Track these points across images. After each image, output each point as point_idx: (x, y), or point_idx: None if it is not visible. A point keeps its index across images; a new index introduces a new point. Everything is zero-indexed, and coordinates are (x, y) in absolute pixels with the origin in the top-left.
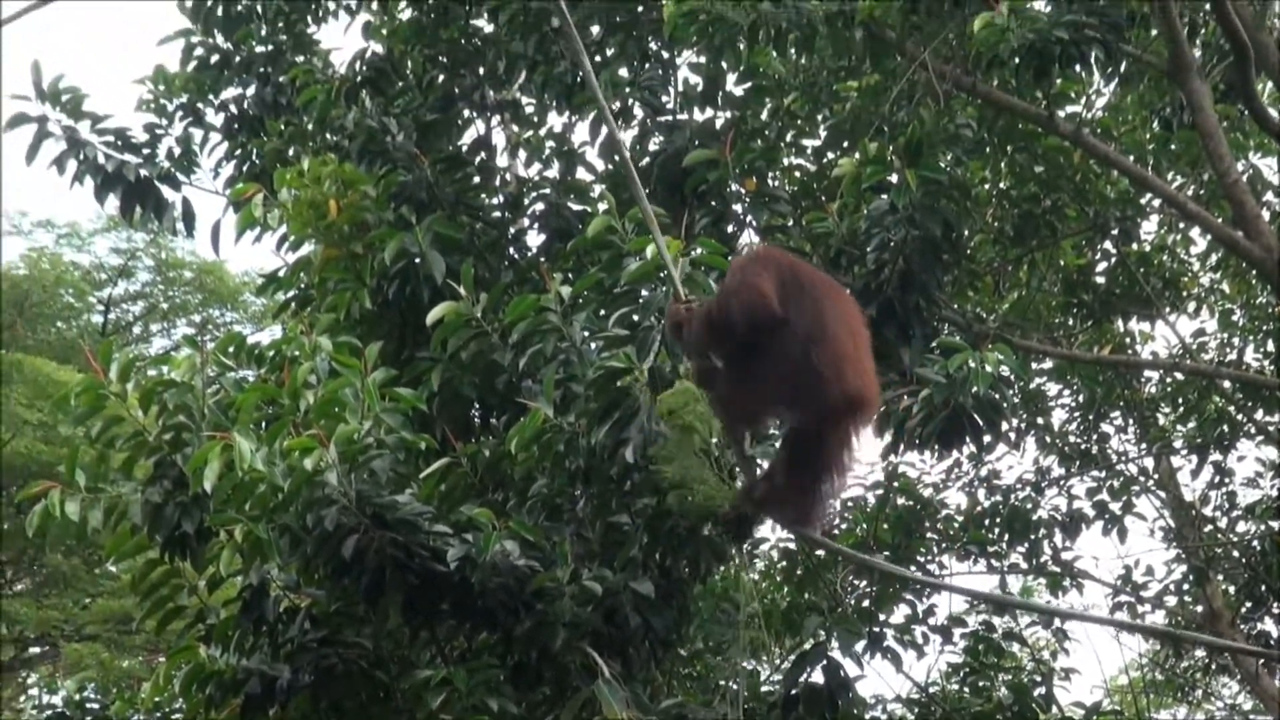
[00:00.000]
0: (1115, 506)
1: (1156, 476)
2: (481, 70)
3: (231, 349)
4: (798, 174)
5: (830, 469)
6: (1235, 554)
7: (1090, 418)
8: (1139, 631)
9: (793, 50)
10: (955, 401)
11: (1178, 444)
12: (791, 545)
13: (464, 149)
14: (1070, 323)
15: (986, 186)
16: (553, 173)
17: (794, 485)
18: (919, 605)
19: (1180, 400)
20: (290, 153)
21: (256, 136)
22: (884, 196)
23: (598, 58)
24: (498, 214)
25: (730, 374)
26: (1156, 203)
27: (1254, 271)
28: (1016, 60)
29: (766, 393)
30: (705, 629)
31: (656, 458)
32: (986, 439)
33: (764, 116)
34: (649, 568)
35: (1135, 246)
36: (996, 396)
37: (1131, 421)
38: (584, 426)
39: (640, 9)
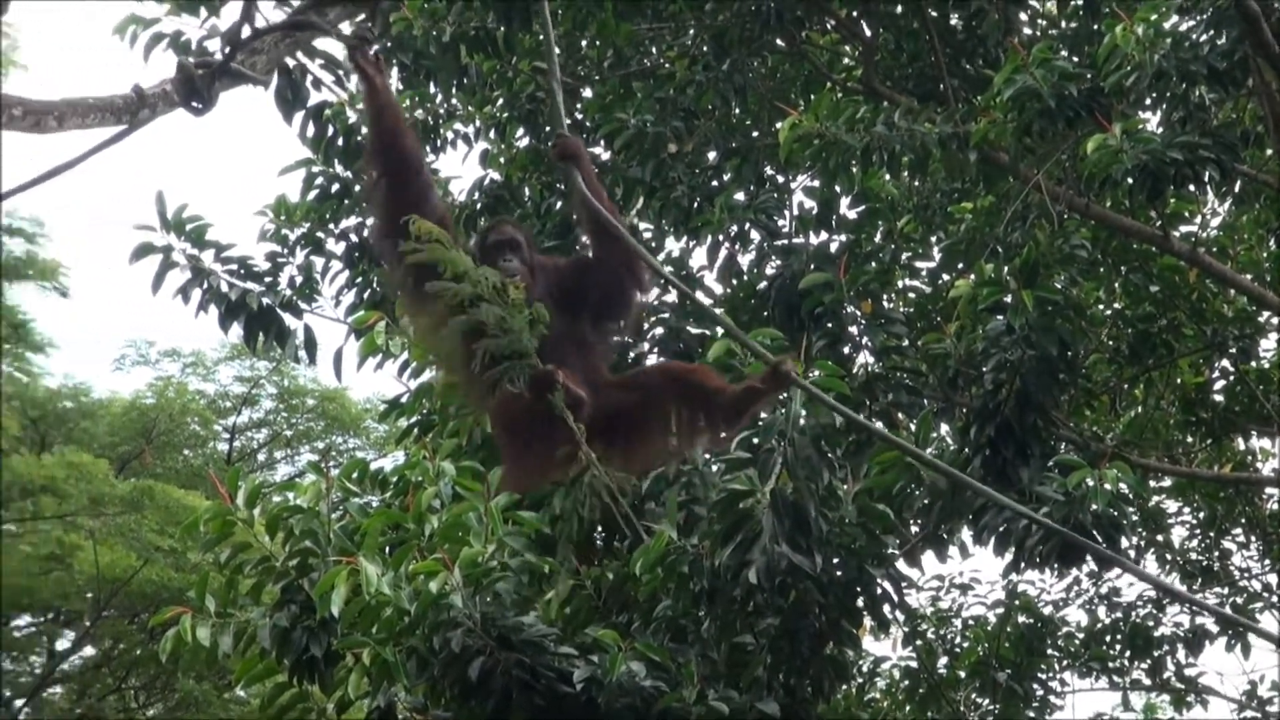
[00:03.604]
0: None
1: None
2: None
3: (355, 475)
4: (913, 295)
5: None
6: None
7: (1211, 535)
8: None
9: (906, 173)
10: (1074, 519)
11: None
12: (913, 664)
13: None
14: (1189, 440)
15: (1101, 306)
16: (671, 297)
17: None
18: None
19: None
20: None
21: (377, 265)
22: (1000, 317)
23: (714, 182)
24: (619, 338)
25: None
26: (1275, 320)
27: None
28: (1130, 181)
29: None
30: None
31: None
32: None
33: (878, 239)
34: (773, 688)
35: (1254, 364)
36: (1115, 514)
37: (1254, 538)
38: (707, 548)
39: (755, 134)
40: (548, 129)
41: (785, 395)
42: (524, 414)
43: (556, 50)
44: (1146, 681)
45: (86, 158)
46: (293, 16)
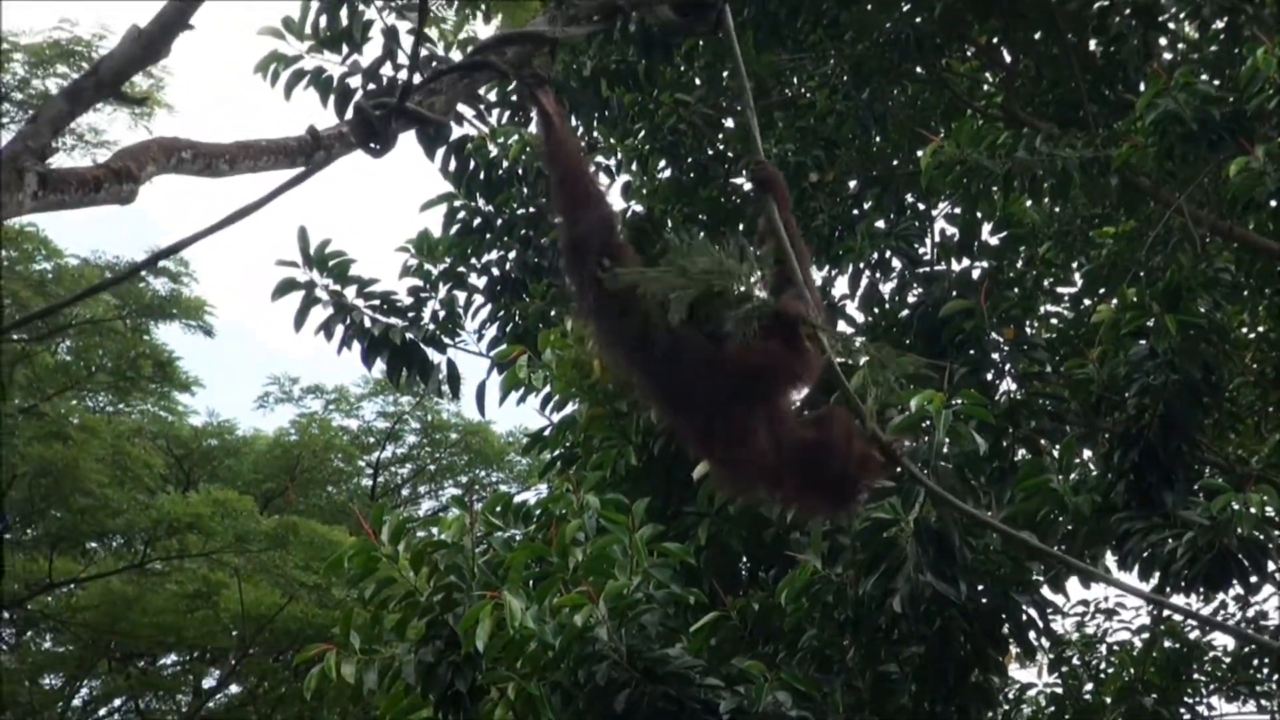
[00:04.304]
0: None
1: None
2: (741, 226)
3: (499, 509)
4: (1055, 321)
5: None
6: None
7: None
8: None
9: (1047, 199)
10: (1220, 543)
11: None
12: (1059, 690)
13: None
14: None
15: (1245, 330)
16: None
17: None
18: None
19: None
20: (553, 314)
21: (519, 299)
22: (1143, 342)
23: (855, 210)
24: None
25: None
26: None
27: None
28: (1274, 203)
29: None
30: None
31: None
32: (1253, 580)
33: (1020, 265)
34: (919, 716)
35: None
36: (1261, 537)
37: None
38: (852, 577)
39: (896, 162)
40: (689, 160)
41: (928, 423)
42: (761, 368)
43: (698, 81)
44: None
45: (266, 202)
46: (471, 57)
